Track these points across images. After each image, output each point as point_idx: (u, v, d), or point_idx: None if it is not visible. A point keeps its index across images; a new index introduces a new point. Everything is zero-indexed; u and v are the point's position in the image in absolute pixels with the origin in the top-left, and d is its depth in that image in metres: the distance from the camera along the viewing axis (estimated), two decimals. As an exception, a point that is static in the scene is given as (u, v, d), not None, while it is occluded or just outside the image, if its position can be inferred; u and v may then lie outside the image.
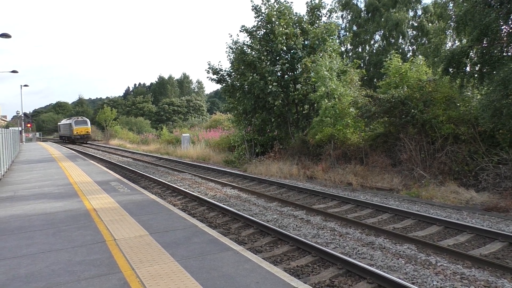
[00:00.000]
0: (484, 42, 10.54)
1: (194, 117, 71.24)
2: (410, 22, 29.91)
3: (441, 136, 12.26)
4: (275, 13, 19.17)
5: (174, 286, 4.47)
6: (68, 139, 54.11)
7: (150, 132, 52.22)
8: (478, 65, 10.78)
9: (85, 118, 52.57)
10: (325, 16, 20.05)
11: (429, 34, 27.87)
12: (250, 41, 20.31)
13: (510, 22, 10.22)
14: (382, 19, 29.32)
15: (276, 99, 18.65)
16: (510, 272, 5.77)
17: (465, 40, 11.59)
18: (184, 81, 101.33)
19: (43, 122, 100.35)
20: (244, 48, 20.20)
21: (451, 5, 12.14)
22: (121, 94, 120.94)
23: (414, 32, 29.94)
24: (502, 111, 9.92)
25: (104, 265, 5.20)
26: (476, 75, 11.01)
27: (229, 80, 20.97)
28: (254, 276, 4.69)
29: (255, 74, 18.81)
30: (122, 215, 7.95)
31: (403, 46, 30.03)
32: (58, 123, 67.21)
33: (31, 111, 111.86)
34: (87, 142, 50.77)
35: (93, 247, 5.95)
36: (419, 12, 30.19)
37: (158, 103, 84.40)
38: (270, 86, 18.16)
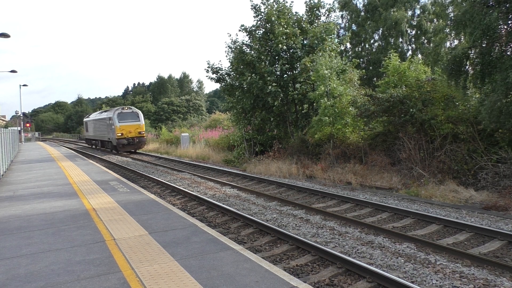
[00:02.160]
0: (484, 42, 10.50)
1: (194, 117, 71.14)
2: (409, 21, 29.89)
3: (440, 135, 12.27)
4: (274, 12, 19.17)
5: (174, 286, 4.48)
6: (103, 145, 34.32)
7: (149, 132, 51.98)
8: (479, 66, 10.73)
9: (135, 109, 30.95)
10: (324, 15, 20.05)
11: (428, 33, 27.91)
12: (249, 40, 20.31)
13: (509, 22, 10.20)
14: (381, 18, 29.31)
15: (276, 99, 18.65)
16: (509, 270, 5.78)
17: (464, 41, 11.55)
18: (184, 81, 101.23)
19: (42, 122, 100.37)
20: (243, 48, 20.20)
21: (448, 1, 12.04)
22: (120, 94, 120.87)
23: (413, 32, 29.93)
24: (501, 110, 9.90)
25: (103, 264, 5.20)
26: (477, 76, 10.93)
27: (228, 80, 20.98)
28: (253, 275, 4.70)
29: (254, 74, 18.80)
30: (121, 214, 7.95)
31: (402, 45, 30.02)
32: (85, 119, 43.23)
33: (30, 111, 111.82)
34: (137, 151, 30.99)
35: (92, 247, 5.95)
36: (418, 12, 30.18)
37: (157, 103, 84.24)
38: (270, 87, 18.16)
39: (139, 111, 30.97)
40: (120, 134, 28.92)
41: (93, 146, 40.01)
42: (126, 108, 30.66)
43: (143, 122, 30.31)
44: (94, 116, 37.90)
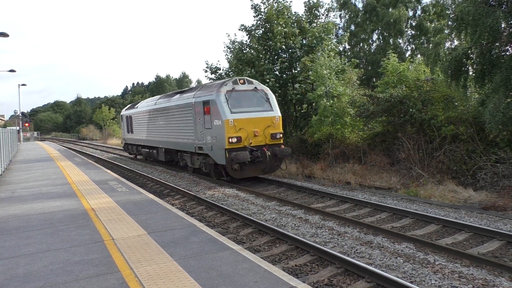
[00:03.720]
0: (483, 42, 10.48)
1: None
2: (409, 21, 29.94)
3: (439, 135, 12.28)
4: (274, 12, 19.19)
5: (173, 286, 4.47)
6: (174, 158, 17.97)
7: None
8: (479, 66, 10.70)
9: (259, 84, 14.15)
10: (323, 15, 20.08)
11: (428, 33, 27.93)
12: (249, 40, 20.33)
13: (511, 22, 10.18)
14: (380, 17, 29.34)
15: (274, 95, 18.63)
16: (508, 270, 5.78)
17: (464, 40, 11.53)
18: (183, 80, 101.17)
19: (41, 122, 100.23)
20: (243, 47, 20.21)
21: (450, 1, 11.97)
22: (119, 93, 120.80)
23: (413, 32, 29.96)
24: (504, 112, 9.86)
25: (102, 264, 5.20)
26: (478, 75, 10.89)
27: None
28: (252, 275, 4.69)
29: (253, 70, 18.81)
30: (120, 214, 7.94)
31: (401, 45, 30.04)
32: (124, 112, 25.65)
33: (29, 111, 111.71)
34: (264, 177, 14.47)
35: (91, 247, 5.94)
36: (419, 12, 30.18)
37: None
38: (268, 81, 18.11)
39: (267, 88, 14.54)
40: (234, 140, 12.79)
41: (138, 156, 24.56)
42: (242, 81, 13.83)
43: (279, 113, 13.98)
44: (151, 103, 20.06)
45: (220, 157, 12.97)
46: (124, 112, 25.80)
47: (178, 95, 16.94)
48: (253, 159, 12.86)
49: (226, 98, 13.03)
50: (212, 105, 13.21)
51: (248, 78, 14.10)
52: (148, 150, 21.01)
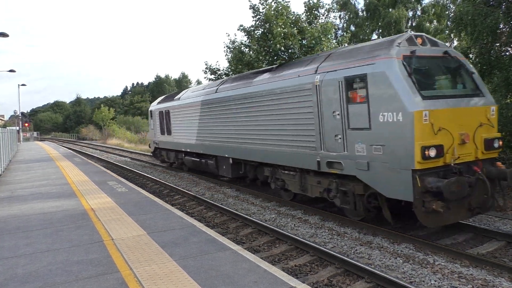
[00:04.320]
0: (483, 43, 10.49)
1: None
2: (409, 21, 29.96)
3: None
4: (273, 12, 19.18)
5: (173, 286, 4.47)
6: (252, 176, 11.95)
7: (148, 132, 51.62)
8: (479, 66, 10.70)
9: (449, 48, 7.72)
10: (323, 15, 20.07)
11: (429, 33, 27.97)
12: (248, 40, 20.31)
13: (510, 21, 10.19)
14: (380, 18, 29.37)
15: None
16: (508, 270, 5.79)
17: (464, 40, 11.54)
18: (182, 81, 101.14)
19: (41, 122, 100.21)
20: (242, 48, 20.20)
21: (449, 1, 11.98)
22: (119, 94, 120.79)
23: (413, 32, 29.99)
24: (502, 112, 9.86)
25: (101, 264, 5.20)
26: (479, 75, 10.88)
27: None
28: (252, 276, 4.69)
29: None
30: (119, 214, 7.94)
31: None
32: (156, 106, 19.22)
33: (28, 111, 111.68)
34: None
35: (90, 247, 5.94)
36: (418, 12, 30.21)
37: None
38: None
39: (460, 54, 7.97)
40: (433, 152, 6.36)
41: (172, 164, 18.94)
42: (421, 40, 7.26)
43: (493, 100, 7.52)
44: (207, 91, 13.99)
45: (397, 186, 6.75)
46: (155, 106, 19.44)
47: (267, 74, 10.54)
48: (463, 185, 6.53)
49: (406, 69, 6.75)
50: (373, 84, 7.01)
51: (429, 36, 7.76)
52: (197, 159, 15.04)
